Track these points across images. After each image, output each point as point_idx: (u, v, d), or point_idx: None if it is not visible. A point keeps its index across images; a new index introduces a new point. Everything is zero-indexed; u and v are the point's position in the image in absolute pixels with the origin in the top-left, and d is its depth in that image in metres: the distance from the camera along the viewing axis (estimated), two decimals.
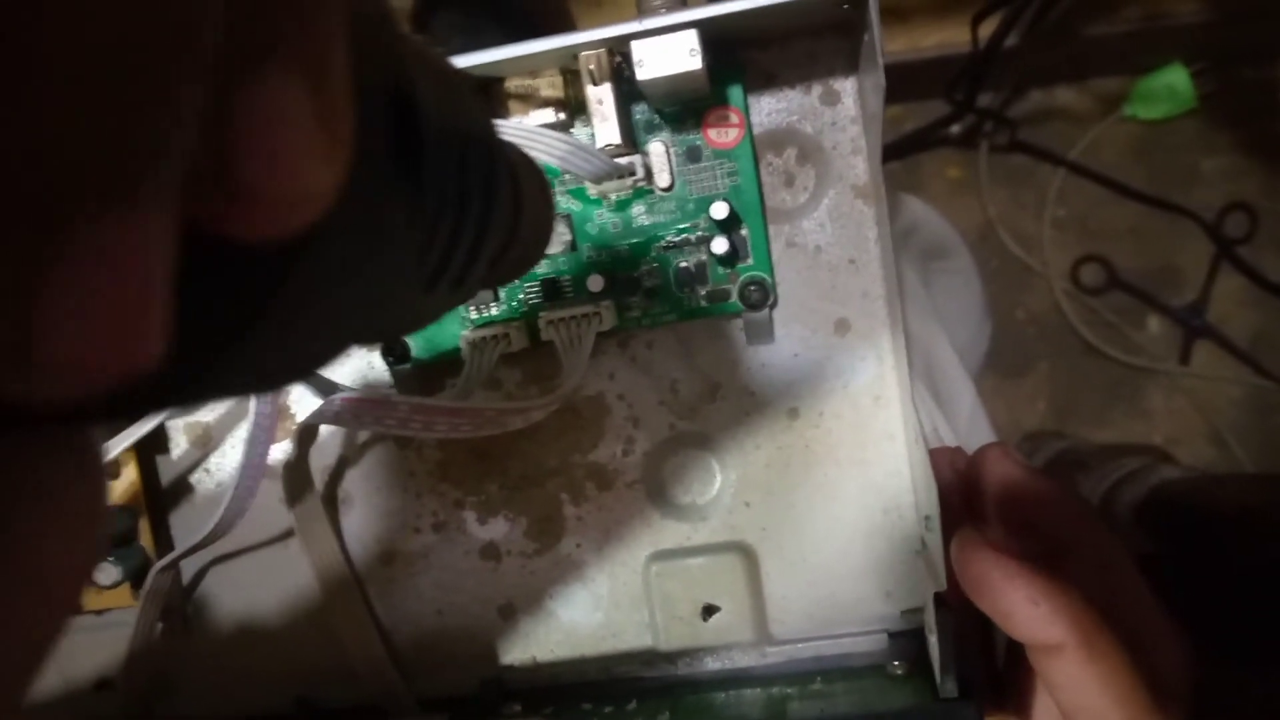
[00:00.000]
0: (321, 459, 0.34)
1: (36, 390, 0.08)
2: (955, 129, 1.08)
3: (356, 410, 0.28)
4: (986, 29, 0.90)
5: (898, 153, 1.08)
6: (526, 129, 0.28)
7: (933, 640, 0.29)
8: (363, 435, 0.34)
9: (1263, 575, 0.55)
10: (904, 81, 1.02)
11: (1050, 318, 1.11)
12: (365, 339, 0.16)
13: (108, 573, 0.32)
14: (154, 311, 0.09)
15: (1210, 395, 1.09)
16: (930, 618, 0.29)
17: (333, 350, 0.14)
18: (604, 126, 0.30)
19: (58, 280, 0.08)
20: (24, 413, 0.09)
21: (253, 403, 0.28)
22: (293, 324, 0.12)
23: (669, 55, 0.28)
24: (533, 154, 0.28)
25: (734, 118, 0.31)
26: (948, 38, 0.96)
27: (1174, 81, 1.08)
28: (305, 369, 0.14)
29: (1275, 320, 1.08)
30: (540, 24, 0.69)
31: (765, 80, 0.32)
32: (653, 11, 0.27)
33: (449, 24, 0.70)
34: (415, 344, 0.33)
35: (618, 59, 0.30)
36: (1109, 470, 0.80)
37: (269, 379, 0.13)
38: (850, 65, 0.32)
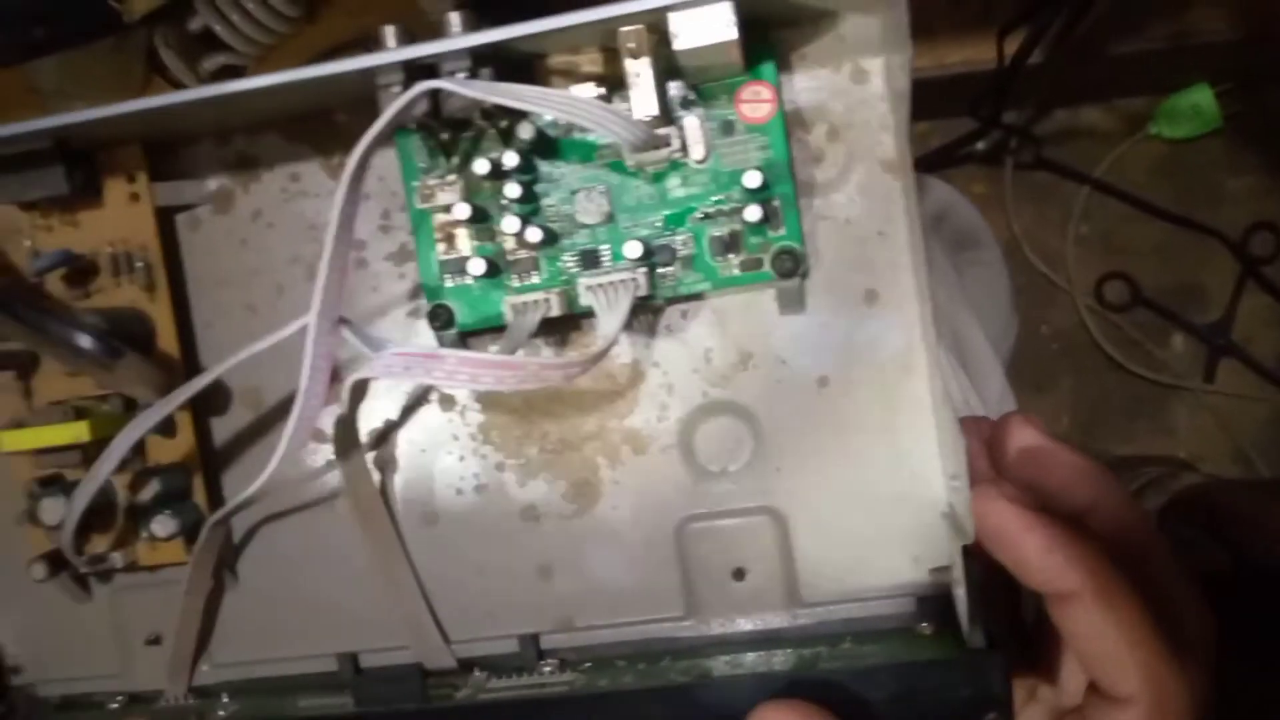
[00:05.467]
0: (368, 423, 0.36)
1: None
2: (981, 146, 1.09)
3: (407, 363, 0.30)
4: (1012, 45, 0.92)
5: (924, 168, 1.10)
6: (570, 97, 0.30)
7: (959, 593, 0.30)
8: (407, 399, 0.36)
9: (1273, 577, 0.55)
10: (930, 98, 1.04)
11: (1075, 334, 1.11)
12: None
13: (165, 524, 0.34)
14: None
15: (1234, 413, 1.09)
16: (958, 570, 0.30)
17: None
18: (641, 98, 0.31)
19: None
20: None
21: (308, 351, 0.30)
22: None
23: (705, 27, 0.29)
24: (575, 121, 0.30)
25: (766, 93, 0.33)
26: (973, 55, 0.98)
27: (1199, 101, 1.09)
28: None
29: None
30: None
31: (797, 59, 0.34)
32: None
33: None
34: (460, 312, 0.34)
35: (654, 36, 0.31)
36: (1131, 477, 0.80)
37: None
38: (878, 45, 0.33)
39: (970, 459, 0.32)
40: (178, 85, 0.49)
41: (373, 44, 0.54)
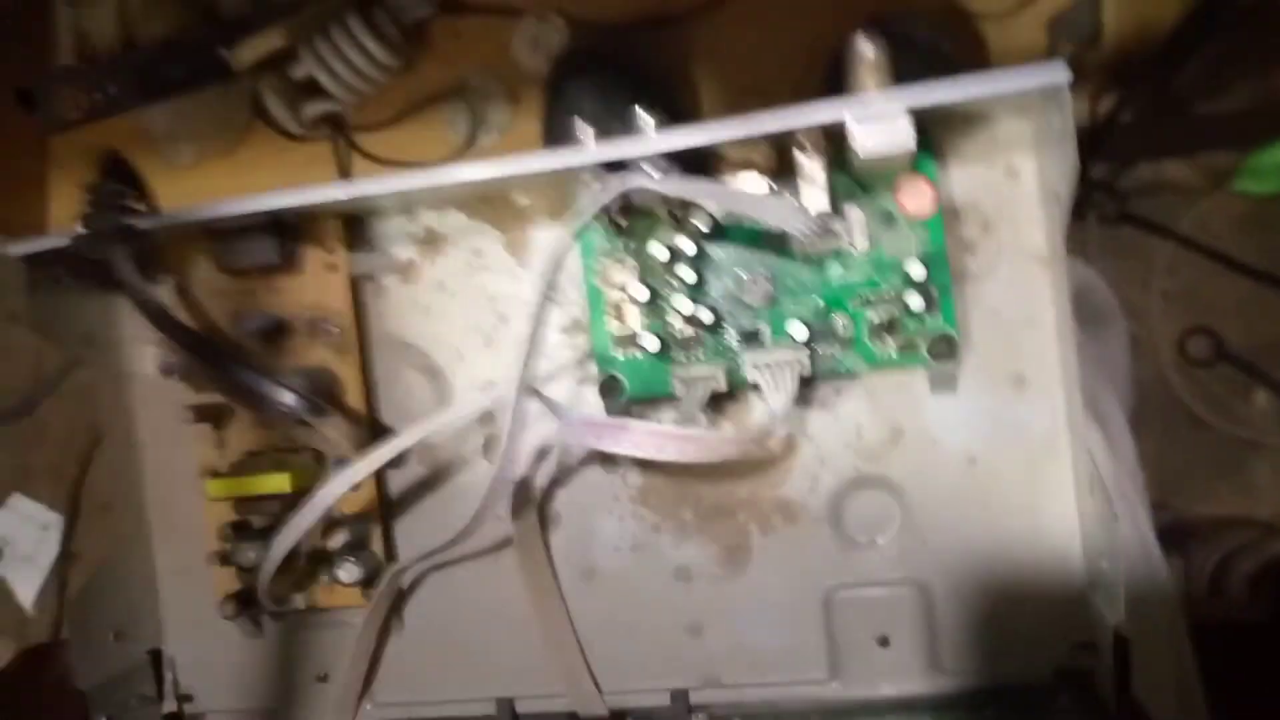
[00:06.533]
0: (536, 481, 0.38)
1: None
2: None
3: (597, 432, 0.32)
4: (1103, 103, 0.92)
5: None
6: (755, 195, 0.32)
7: (1103, 670, 0.32)
8: (575, 460, 0.38)
9: None
10: None
11: (1156, 389, 1.11)
12: None
13: (350, 571, 0.36)
14: None
15: None
16: (1104, 648, 0.32)
17: None
18: (814, 195, 0.33)
19: None
20: None
21: (507, 419, 0.32)
22: None
23: (887, 137, 0.31)
24: (762, 218, 0.32)
25: (926, 188, 0.35)
26: None
27: None
28: None
29: None
30: (669, 82, 0.72)
31: (953, 155, 0.36)
32: (866, 97, 0.31)
33: (580, 90, 0.73)
34: (629, 382, 0.36)
35: (825, 135, 0.33)
36: (1223, 540, 0.80)
37: None
38: (1030, 145, 0.35)
39: None
40: (279, 129, 0.52)
41: (469, 92, 0.55)
